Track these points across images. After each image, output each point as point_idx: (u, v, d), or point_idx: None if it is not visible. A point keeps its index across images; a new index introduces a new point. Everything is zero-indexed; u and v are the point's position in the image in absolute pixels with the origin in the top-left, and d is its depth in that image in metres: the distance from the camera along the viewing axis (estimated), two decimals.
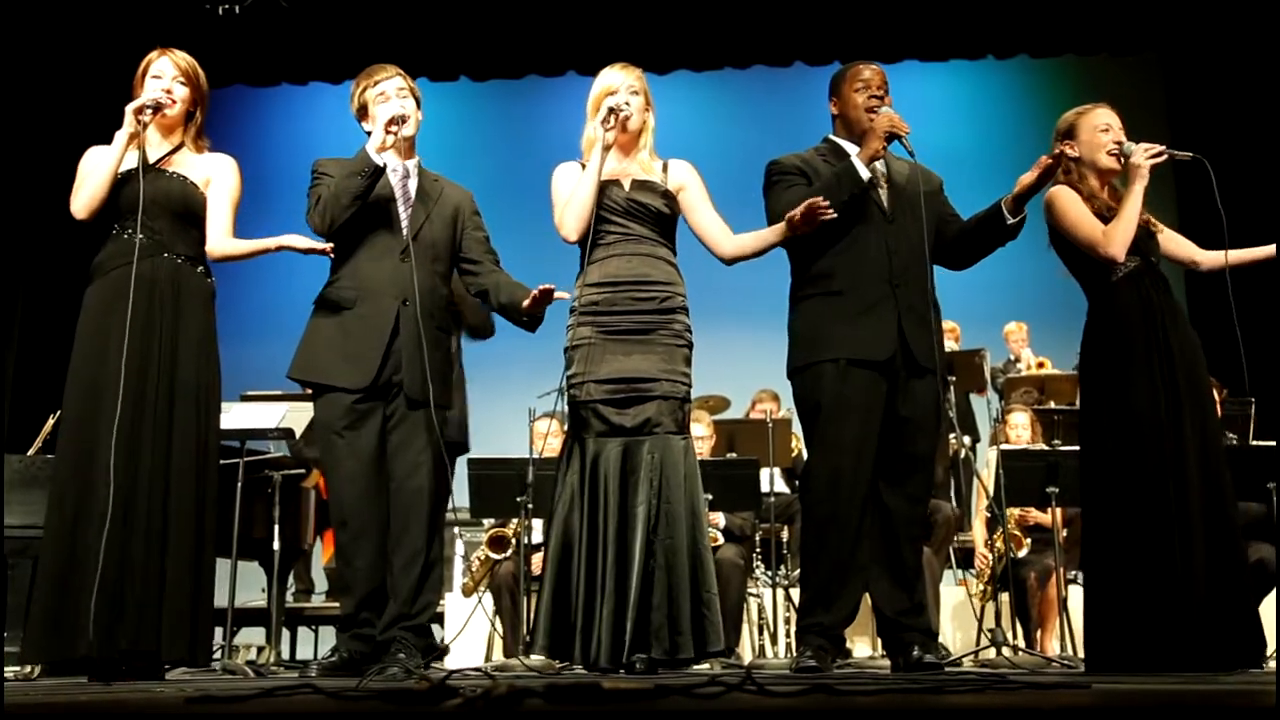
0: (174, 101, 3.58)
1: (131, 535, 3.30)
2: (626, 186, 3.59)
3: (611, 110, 3.52)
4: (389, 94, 3.65)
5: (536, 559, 5.00)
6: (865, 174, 3.49)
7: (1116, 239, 3.54)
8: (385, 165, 3.56)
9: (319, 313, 3.64)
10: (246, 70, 8.47)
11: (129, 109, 3.49)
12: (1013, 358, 7.80)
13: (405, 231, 3.62)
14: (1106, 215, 3.58)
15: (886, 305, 3.48)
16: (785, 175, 3.63)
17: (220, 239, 3.61)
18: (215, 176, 3.66)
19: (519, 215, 7.87)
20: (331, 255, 3.55)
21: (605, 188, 3.54)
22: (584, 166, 3.61)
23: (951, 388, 5.60)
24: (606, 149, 3.54)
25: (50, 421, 5.09)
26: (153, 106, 3.51)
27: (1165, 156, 3.59)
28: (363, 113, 3.70)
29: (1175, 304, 3.65)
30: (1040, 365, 7.49)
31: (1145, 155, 3.57)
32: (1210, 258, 3.79)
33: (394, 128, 3.53)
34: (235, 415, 4.67)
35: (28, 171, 7.42)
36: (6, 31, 6.72)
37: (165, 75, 3.59)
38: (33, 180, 7.46)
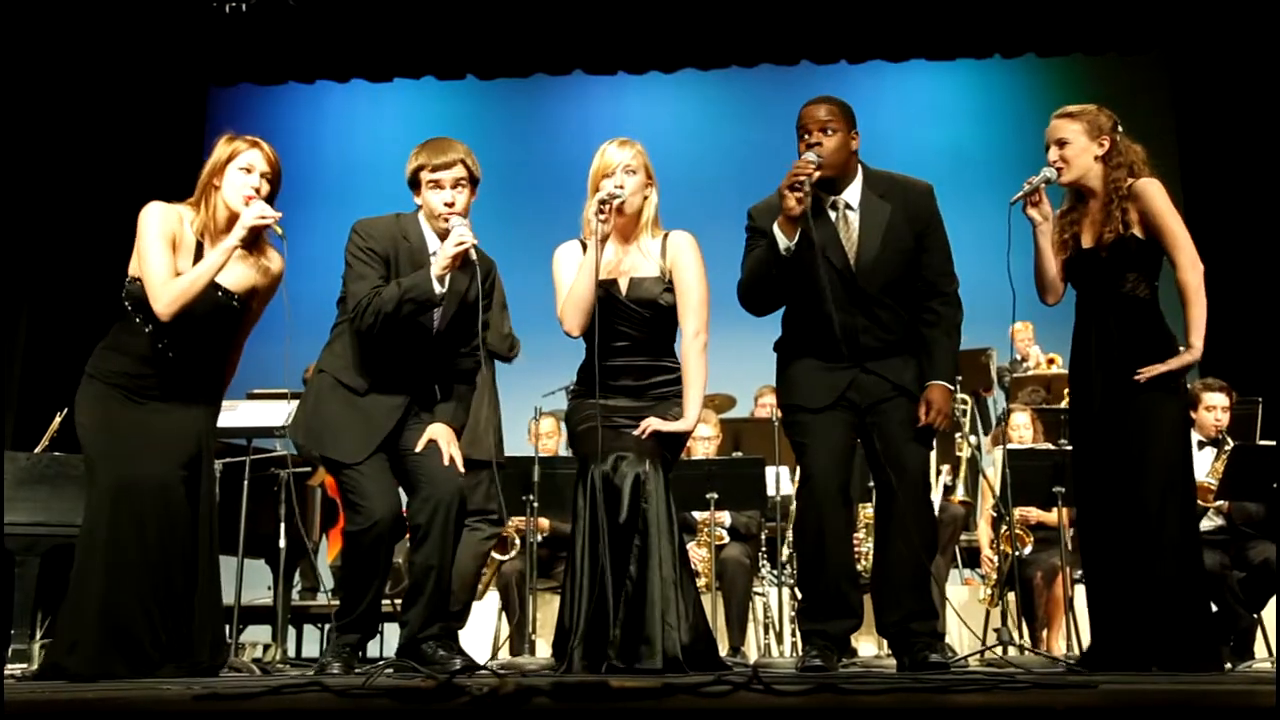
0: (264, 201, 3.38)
1: (174, 548, 3.33)
2: (624, 288, 3.50)
3: (603, 202, 3.39)
4: (444, 184, 3.46)
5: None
6: (785, 243, 3.38)
7: (1038, 288, 3.66)
8: (443, 297, 3.47)
9: (325, 384, 3.58)
10: (253, 69, 8.48)
11: (253, 221, 3.29)
12: (1019, 357, 7.78)
13: (435, 325, 3.55)
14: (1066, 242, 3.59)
15: (840, 369, 3.47)
16: (752, 235, 3.58)
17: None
18: (260, 292, 3.49)
19: (523, 214, 7.93)
20: (281, 234, 3.40)
21: (602, 288, 3.44)
22: (583, 244, 3.53)
23: (957, 388, 5.59)
24: (603, 240, 3.43)
25: (57, 419, 5.10)
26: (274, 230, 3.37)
27: (1028, 189, 3.54)
28: (415, 183, 3.53)
29: (1124, 335, 3.52)
30: (1051, 361, 7.46)
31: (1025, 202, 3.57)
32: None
33: (458, 261, 3.44)
34: (242, 413, 4.68)
35: (30, 169, 7.44)
36: (12, 28, 6.73)
37: (255, 170, 3.37)
38: (36, 178, 7.48)
